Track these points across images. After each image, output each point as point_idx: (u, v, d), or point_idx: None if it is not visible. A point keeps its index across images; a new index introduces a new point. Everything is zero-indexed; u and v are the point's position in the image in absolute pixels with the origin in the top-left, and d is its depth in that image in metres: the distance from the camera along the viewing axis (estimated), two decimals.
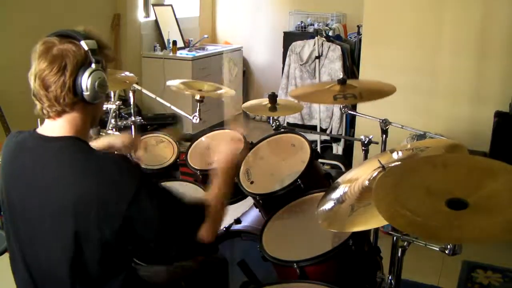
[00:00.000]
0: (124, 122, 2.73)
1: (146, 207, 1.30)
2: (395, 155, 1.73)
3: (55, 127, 1.36)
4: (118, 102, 2.62)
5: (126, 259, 1.43)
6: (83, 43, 1.32)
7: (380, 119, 2.24)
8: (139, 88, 2.90)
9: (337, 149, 4.81)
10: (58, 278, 1.35)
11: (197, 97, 2.50)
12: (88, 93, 1.32)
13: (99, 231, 1.29)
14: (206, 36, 6.20)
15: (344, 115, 4.60)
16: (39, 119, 1.40)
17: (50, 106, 1.32)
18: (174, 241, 1.40)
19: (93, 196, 1.27)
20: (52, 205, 1.31)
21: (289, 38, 5.19)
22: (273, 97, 2.42)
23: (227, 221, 2.54)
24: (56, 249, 1.33)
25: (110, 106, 2.57)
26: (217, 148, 1.67)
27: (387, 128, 2.25)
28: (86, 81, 1.31)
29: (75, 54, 1.30)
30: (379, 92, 2.16)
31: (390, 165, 1.61)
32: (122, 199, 1.28)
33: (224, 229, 2.35)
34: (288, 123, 4.81)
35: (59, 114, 1.34)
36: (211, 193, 1.52)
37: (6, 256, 2.04)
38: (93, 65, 1.33)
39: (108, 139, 1.89)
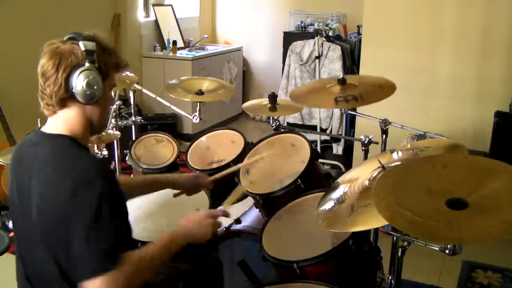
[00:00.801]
0: (125, 122, 2.73)
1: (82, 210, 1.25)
2: (395, 155, 1.73)
3: (53, 124, 1.41)
4: (119, 102, 2.63)
5: None
6: (81, 44, 1.35)
7: (380, 119, 2.24)
8: (140, 88, 2.90)
9: (337, 149, 4.81)
10: (47, 277, 1.34)
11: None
12: (77, 90, 1.35)
13: (70, 228, 1.26)
14: (206, 36, 6.20)
15: (344, 115, 4.60)
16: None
17: (47, 103, 1.38)
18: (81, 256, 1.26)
19: (68, 195, 1.25)
20: (37, 202, 1.31)
21: (289, 38, 5.19)
22: (273, 97, 2.42)
23: (227, 221, 2.55)
24: (41, 248, 1.32)
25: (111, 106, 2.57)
26: (188, 214, 1.62)
27: (387, 128, 2.25)
28: (75, 79, 1.34)
29: (71, 53, 1.35)
30: (379, 90, 2.15)
31: (390, 165, 1.61)
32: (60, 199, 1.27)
33: (224, 229, 2.35)
34: (288, 123, 4.81)
35: (54, 111, 1.39)
36: (146, 250, 1.39)
37: (6, 256, 2.05)
38: (86, 64, 1.36)
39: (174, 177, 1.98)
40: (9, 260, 1.47)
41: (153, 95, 2.87)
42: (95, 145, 2.39)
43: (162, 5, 5.70)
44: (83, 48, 1.35)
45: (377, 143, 2.25)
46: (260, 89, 6.50)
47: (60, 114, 1.39)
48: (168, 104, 2.80)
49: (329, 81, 2.15)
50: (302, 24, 5.63)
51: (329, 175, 2.20)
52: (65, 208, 1.25)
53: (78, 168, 1.30)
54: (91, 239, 1.24)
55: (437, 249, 1.41)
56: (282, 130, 2.41)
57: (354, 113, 2.63)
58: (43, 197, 1.29)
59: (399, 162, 1.66)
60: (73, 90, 1.35)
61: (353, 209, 1.49)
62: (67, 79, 1.34)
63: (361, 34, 4.43)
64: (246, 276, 2.12)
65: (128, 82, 2.78)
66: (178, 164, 2.64)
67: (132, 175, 2.67)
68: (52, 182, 1.29)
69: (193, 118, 2.60)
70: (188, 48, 5.76)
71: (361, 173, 1.71)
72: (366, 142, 2.22)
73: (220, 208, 1.77)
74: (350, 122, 4.66)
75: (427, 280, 2.88)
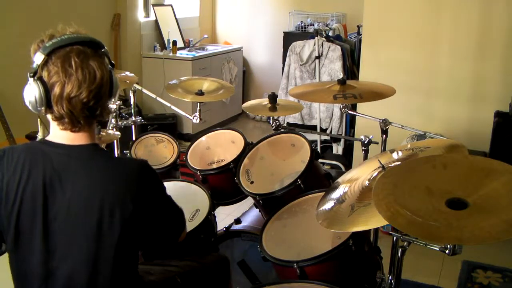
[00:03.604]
0: (125, 122, 2.73)
1: (155, 207, 1.37)
2: (395, 155, 1.73)
3: (77, 137, 1.34)
4: (119, 102, 2.62)
5: (135, 261, 1.43)
6: (106, 51, 1.35)
7: (380, 119, 2.24)
8: (140, 88, 2.90)
9: (337, 149, 4.81)
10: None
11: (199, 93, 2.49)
12: (113, 102, 1.37)
13: (118, 230, 1.29)
14: (206, 36, 6.20)
15: (344, 115, 4.60)
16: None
17: (86, 117, 1.31)
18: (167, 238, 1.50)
19: (118, 196, 1.29)
20: (78, 209, 1.29)
21: (289, 38, 5.19)
22: (273, 97, 2.42)
23: (227, 221, 2.54)
24: (78, 252, 1.31)
25: (111, 106, 2.57)
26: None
27: (387, 128, 2.25)
28: (115, 86, 1.36)
29: (108, 67, 1.33)
30: (379, 93, 2.17)
31: (390, 165, 1.61)
32: (138, 198, 1.31)
33: (224, 229, 2.35)
34: (288, 123, 4.81)
35: (90, 124, 1.35)
36: None
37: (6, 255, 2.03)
38: (113, 75, 1.36)
39: None
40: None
41: (153, 95, 2.86)
42: None
43: (162, 5, 5.70)
44: (106, 53, 1.35)
45: (377, 143, 2.25)
46: (260, 89, 6.50)
47: (92, 126, 1.36)
48: (168, 104, 2.80)
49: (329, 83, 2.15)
50: (302, 24, 5.63)
51: (329, 175, 2.20)
52: (146, 197, 1.33)
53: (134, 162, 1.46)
54: (173, 208, 1.47)
55: (437, 249, 1.40)
56: (282, 130, 2.41)
57: (354, 113, 2.63)
58: (108, 205, 1.28)
59: (399, 162, 1.66)
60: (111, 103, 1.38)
61: (353, 209, 1.49)
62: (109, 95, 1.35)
63: (361, 34, 4.43)
64: (246, 276, 2.12)
65: (128, 82, 2.78)
66: (178, 164, 2.64)
67: None
68: (116, 190, 1.29)
69: (193, 118, 2.59)
70: (188, 48, 5.76)
71: (361, 173, 1.71)
72: (366, 142, 2.22)
73: None
74: (350, 122, 4.65)
75: (427, 280, 2.88)
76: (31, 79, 1.27)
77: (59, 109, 1.28)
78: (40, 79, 1.27)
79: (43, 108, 1.29)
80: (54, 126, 1.34)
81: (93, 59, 1.29)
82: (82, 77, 1.26)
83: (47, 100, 1.27)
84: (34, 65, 1.28)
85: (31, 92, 1.28)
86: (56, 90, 1.26)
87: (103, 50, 1.34)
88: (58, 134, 1.34)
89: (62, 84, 1.26)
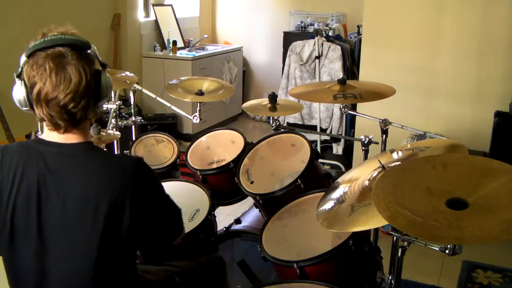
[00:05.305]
0: (125, 122, 2.73)
1: (151, 204, 1.36)
2: (395, 155, 1.73)
3: (67, 136, 1.33)
4: (119, 102, 2.62)
5: (133, 259, 1.43)
6: (92, 51, 1.32)
7: (380, 119, 2.24)
8: (140, 88, 2.90)
9: (337, 149, 4.81)
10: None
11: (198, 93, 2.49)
12: (106, 97, 1.36)
13: (115, 228, 1.29)
14: (206, 36, 6.20)
15: (344, 115, 4.60)
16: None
17: (66, 120, 1.30)
18: (161, 240, 1.46)
19: (113, 194, 1.28)
20: (73, 207, 1.28)
21: (289, 38, 5.19)
22: (273, 97, 2.42)
23: (227, 221, 2.54)
24: (73, 250, 1.30)
25: (111, 106, 2.57)
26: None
27: (387, 128, 2.25)
28: (105, 87, 1.33)
29: (91, 70, 1.31)
30: (379, 93, 2.17)
31: (390, 165, 1.62)
32: (134, 195, 1.30)
33: (224, 229, 2.35)
34: (288, 123, 4.81)
35: (78, 124, 1.33)
36: None
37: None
38: (103, 77, 1.34)
39: None
40: None
41: (153, 95, 2.87)
42: None
43: (162, 5, 5.70)
44: (100, 60, 1.34)
45: (377, 143, 2.25)
46: (260, 89, 6.50)
47: (82, 125, 1.34)
48: (168, 104, 2.81)
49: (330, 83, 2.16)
50: (302, 24, 5.63)
51: (329, 175, 2.20)
52: (144, 197, 1.33)
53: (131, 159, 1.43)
54: (171, 207, 1.45)
55: (437, 249, 1.40)
56: (282, 130, 2.41)
57: (354, 113, 2.63)
58: (105, 202, 1.27)
59: (399, 162, 1.66)
60: (102, 102, 1.36)
61: (353, 209, 1.49)
62: (97, 96, 1.33)
63: (361, 34, 4.42)
64: (246, 276, 2.12)
65: (128, 82, 2.78)
66: (178, 164, 2.64)
67: None
68: (112, 187, 1.28)
69: (193, 118, 2.60)
70: (188, 48, 5.76)
71: (361, 173, 1.71)
72: (366, 142, 2.22)
73: None
74: (350, 122, 4.66)
75: (427, 280, 2.88)
76: (17, 79, 1.30)
77: (39, 112, 1.29)
78: (23, 80, 1.29)
79: (28, 108, 1.31)
80: (44, 125, 1.36)
81: (71, 63, 1.26)
82: (56, 81, 1.25)
83: (29, 101, 1.29)
84: (20, 66, 1.30)
85: (16, 92, 1.31)
86: (35, 92, 1.27)
87: (88, 51, 1.31)
88: (50, 134, 1.34)
89: (39, 87, 1.26)
